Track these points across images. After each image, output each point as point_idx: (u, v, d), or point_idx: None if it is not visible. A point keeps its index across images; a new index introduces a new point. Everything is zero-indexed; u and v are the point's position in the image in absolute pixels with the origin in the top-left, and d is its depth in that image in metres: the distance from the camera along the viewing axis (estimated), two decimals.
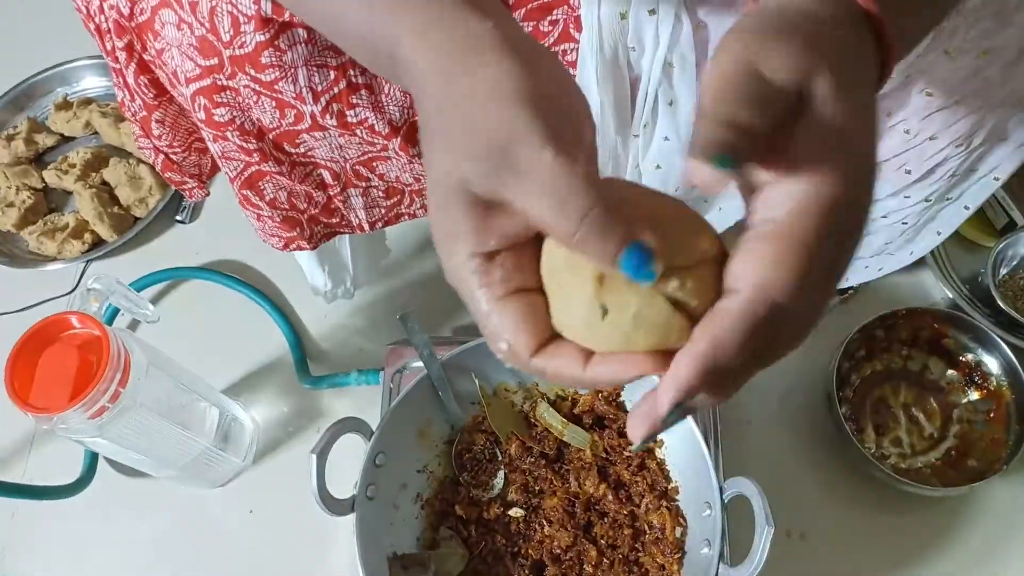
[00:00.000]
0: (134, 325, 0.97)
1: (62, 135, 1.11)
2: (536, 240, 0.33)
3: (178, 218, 1.04)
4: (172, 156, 0.68)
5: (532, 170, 0.29)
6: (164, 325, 0.96)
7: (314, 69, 0.52)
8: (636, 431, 0.31)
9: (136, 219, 1.04)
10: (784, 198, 0.29)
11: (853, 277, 0.81)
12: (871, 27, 0.32)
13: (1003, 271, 0.91)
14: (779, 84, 0.29)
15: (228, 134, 0.57)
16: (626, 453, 0.72)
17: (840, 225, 0.29)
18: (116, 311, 0.94)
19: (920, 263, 0.91)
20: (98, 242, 1.03)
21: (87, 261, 1.02)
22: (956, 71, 0.52)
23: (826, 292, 0.29)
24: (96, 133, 1.11)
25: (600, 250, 0.28)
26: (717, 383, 0.29)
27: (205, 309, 0.99)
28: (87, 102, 1.11)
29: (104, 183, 1.05)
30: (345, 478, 0.69)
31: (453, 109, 0.31)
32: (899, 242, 0.73)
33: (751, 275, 0.28)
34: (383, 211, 0.69)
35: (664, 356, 0.29)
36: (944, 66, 0.52)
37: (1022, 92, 0.55)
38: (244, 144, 0.58)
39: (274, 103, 0.54)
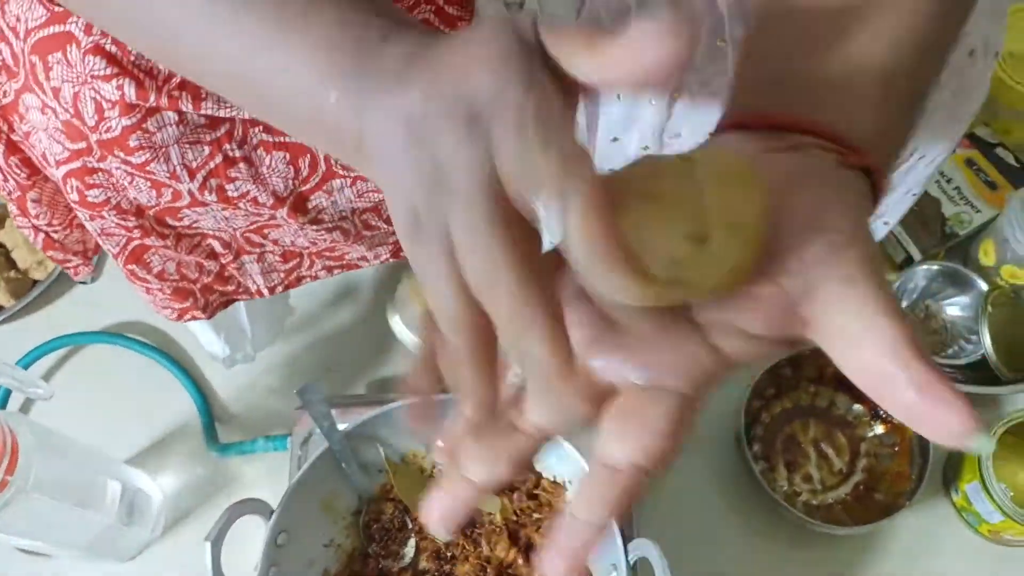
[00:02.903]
0: (31, 401, 0.94)
1: None
2: None
3: (79, 279, 1.01)
4: (52, 234, 0.65)
5: None
6: (65, 393, 0.91)
7: (187, 146, 0.50)
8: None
9: (35, 282, 1.00)
10: None
11: None
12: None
13: (903, 304, 0.94)
14: None
15: (105, 214, 0.55)
16: None
17: None
18: (9, 391, 0.90)
19: None
20: None
21: None
22: None
23: None
24: None
25: None
26: None
27: (109, 374, 0.95)
28: None
29: (1, 246, 1.01)
30: (252, 556, 0.67)
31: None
32: None
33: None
34: (282, 275, 0.68)
35: None
36: None
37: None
38: (123, 222, 0.56)
39: (149, 183, 0.52)
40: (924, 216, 0.93)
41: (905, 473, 0.84)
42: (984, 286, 0.90)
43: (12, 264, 1.00)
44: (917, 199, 0.65)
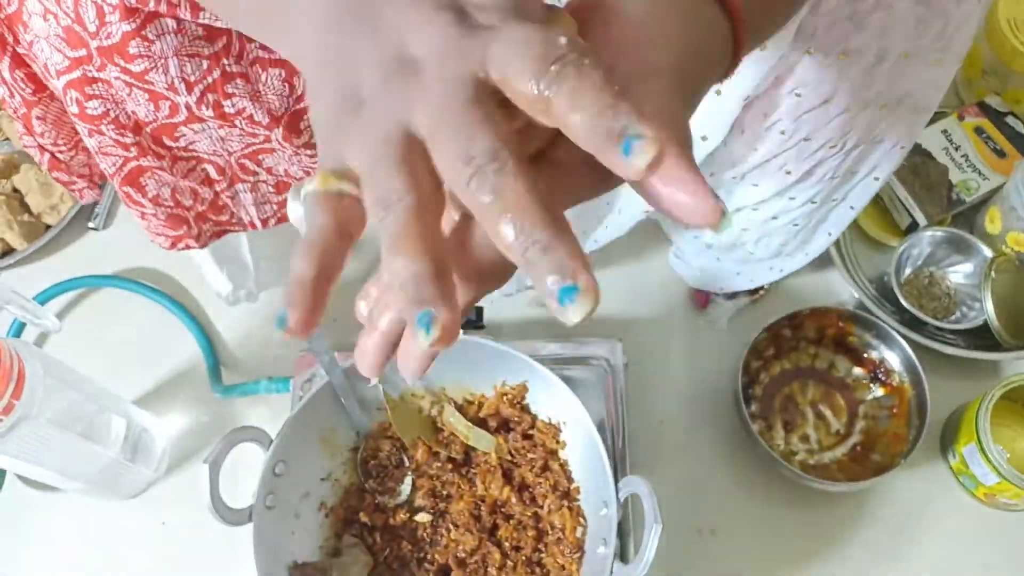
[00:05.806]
0: (44, 336, 0.95)
1: None
2: None
3: (91, 225, 1.02)
4: (58, 155, 0.66)
5: None
6: (76, 334, 0.94)
7: (185, 59, 0.51)
8: None
9: (48, 227, 1.02)
10: None
11: (757, 278, 0.83)
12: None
13: (907, 270, 0.94)
14: None
15: (103, 128, 0.56)
16: None
17: None
18: (22, 326, 0.92)
19: (828, 263, 0.93)
20: (8, 251, 1.00)
21: None
22: (819, 71, 0.54)
23: None
24: (7, 139, 1.08)
25: None
26: None
27: (118, 317, 0.97)
28: None
29: (15, 190, 1.03)
30: (250, 486, 0.68)
31: None
32: (794, 244, 0.74)
33: None
34: (275, 207, 0.68)
35: None
36: (808, 66, 0.53)
37: (888, 95, 0.56)
38: (120, 138, 0.57)
39: (147, 95, 0.53)
40: (930, 182, 0.93)
41: (902, 435, 0.85)
42: (989, 253, 0.89)
43: (26, 208, 1.02)
44: (907, 152, 0.64)
